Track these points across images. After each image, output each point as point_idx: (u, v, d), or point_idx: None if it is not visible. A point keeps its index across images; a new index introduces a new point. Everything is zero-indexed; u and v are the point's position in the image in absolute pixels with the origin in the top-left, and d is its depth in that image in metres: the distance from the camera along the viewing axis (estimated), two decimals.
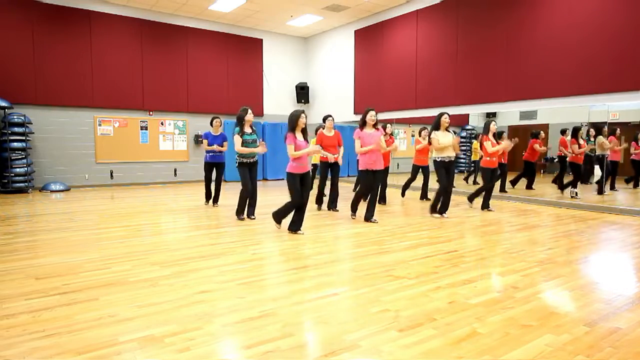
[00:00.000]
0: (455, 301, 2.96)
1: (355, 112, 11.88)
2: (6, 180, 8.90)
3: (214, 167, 7.32)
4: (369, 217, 5.92)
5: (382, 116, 10.84)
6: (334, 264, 3.89)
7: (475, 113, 10.98)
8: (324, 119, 6.74)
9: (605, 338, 2.41)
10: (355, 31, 11.71)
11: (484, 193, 7.06)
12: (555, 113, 11.14)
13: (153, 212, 6.74)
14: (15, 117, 8.86)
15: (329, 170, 6.83)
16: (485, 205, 7.04)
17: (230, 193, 8.83)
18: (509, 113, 11.21)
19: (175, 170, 11.46)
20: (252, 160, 5.99)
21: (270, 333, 2.43)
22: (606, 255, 4.35)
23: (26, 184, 9.08)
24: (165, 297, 2.99)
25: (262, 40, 12.63)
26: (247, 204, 6.08)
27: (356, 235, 5.13)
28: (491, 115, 13.29)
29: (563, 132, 9.19)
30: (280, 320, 2.61)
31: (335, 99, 12.56)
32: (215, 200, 7.42)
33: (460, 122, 12.20)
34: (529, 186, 9.42)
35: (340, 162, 6.79)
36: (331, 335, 2.41)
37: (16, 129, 8.89)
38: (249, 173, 5.98)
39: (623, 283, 3.44)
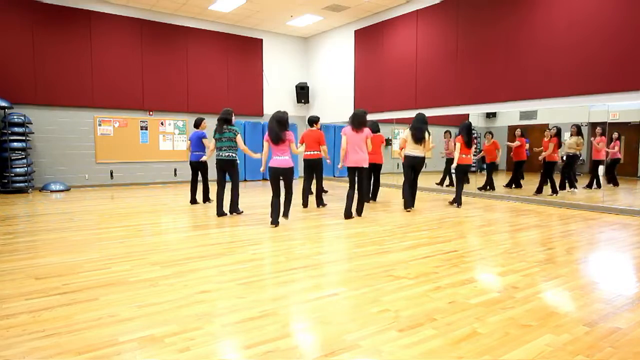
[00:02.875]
0: (455, 301, 2.95)
1: None
2: (6, 180, 8.90)
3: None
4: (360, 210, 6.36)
5: (383, 116, 10.84)
6: (334, 264, 3.89)
7: (476, 113, 10.98)
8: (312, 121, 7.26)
9: (605, 338, 2.41)
10: (355, 31, 11.71)
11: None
12: (555, 113, 11.14)
13: (153, 212, 6.74)
14: (15, 117, 8.86)
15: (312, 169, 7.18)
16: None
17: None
18: (509, 113, 11.20)
19: (175, 170, 11.46)
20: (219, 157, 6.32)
21: (270, 333, 2.43)
22: (606, 255, 4.35)
23: (26, 184, 9.08)
24: (165, 297, 2.99)
25: (262, 40, 12.63)
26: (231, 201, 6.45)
27: (356, 235, 5.13)
28: (491, 116, 13.29)
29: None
30: (280, 320, 2.61)
31: (335, 99, 12.55)
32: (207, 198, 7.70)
33: (460, 122, 12.17)
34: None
35: (328, 161, 7.30)
36: (331, 335, 2.41)
37: (16, 129, 8.89)
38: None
39: (623, 283, 3.44)
